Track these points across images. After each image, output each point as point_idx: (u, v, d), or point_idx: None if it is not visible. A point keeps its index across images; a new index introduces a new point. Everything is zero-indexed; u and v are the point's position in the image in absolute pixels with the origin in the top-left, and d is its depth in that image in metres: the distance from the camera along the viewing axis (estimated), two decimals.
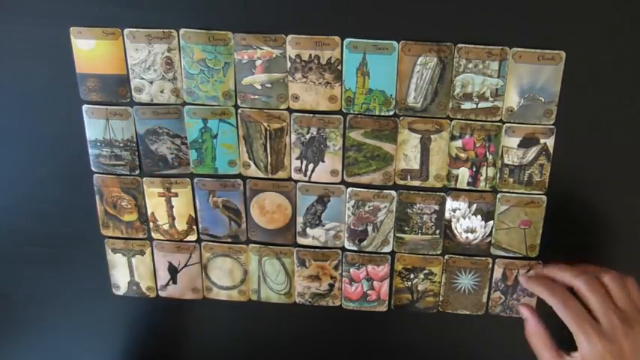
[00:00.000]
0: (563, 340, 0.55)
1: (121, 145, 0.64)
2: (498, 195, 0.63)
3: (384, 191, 0.64)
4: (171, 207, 0.67)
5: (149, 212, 0.67)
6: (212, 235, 0.68)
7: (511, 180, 0.62)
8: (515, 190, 0.63)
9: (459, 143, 0.62)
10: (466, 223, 0.65)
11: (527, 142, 0.61)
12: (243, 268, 0.69)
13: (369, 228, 0.66)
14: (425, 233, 0.65)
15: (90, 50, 0.61)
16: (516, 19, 0.57)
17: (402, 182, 0.64)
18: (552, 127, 0.60)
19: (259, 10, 0.58)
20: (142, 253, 0.69)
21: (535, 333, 0.57)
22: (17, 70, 0.62)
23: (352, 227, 0.66)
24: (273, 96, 0.61)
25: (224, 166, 0.65)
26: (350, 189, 0.64)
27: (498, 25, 0.57)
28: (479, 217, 0.64)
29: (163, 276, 0.70)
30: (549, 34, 0.57)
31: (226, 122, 0.63)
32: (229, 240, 0.68)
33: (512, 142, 0.61)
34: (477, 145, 0.61)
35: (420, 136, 0.62)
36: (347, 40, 0.58)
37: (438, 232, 0.65)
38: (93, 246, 0.69)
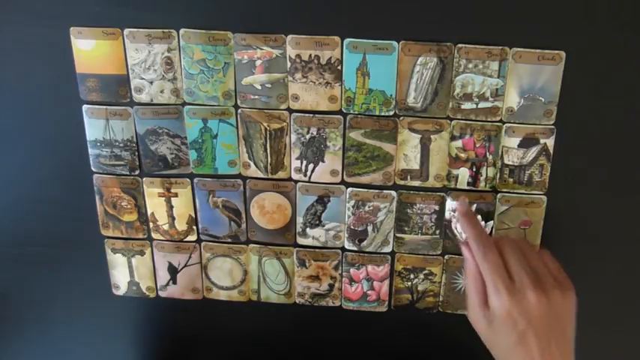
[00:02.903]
0: None
1: (121, 145, 0.64)
2: (498, 195, 0.63)
3: (384, 191, 0.64)
4: (171, 207, 0.67)
5: (149, 212, 0.67)
6: (212, 235, 0.68)
7: (511, 180, 0.62)
8: (515, 191, 0.63)
9: (459, 143, 0.62)
10: None
11: (527, 142, 0.61)
12: (243, 269, 0.69)
13: (369, 228, 0.66)
14: (425, 233, 0.65)
15: (90, 50, 0.61)
16: (516, 19, 0.57)
17: (402, 182, 0.64)
18: (552, 127, 0.60)
19: (259, 10, 0.58)
20: (142, 253, 0.69)
21: (473, 275, 0.55)
22: (17, 70, 0.62)
23: (352, 227, 0.66)
24: (273, 96, 0.61)
25: (224, 166, 0.65)
26: (350, 189, 0.64)
27: (498, 25, 0.57)
28: (479, 217, 0.64)
29: (163, 276, 0.70)
30: (549, 34, 0.57)
31: (226, 122, 0.63)
32: (229, 240, 0.68)
33: (512, 142, 0.61)
34: (477, 145, 0.61)
35: (420, 136, 0.61)
36: (347, 40, 0.58)
37: (438, 232, 0.65)
38: (93, 246, 0.69)
